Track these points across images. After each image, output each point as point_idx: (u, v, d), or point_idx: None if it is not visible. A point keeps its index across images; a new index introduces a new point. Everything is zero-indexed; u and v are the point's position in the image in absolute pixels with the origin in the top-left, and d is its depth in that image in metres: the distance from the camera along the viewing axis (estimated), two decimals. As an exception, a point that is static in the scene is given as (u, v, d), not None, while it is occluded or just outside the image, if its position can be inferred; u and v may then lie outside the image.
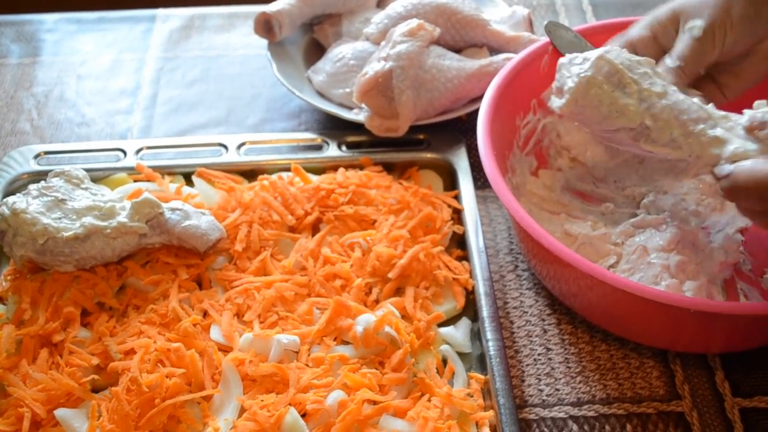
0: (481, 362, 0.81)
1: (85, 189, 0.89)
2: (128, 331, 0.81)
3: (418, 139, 1.02)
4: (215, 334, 0.81)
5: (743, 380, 0.83)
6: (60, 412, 0.75)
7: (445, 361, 0.81)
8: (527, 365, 0.84)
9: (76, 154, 1.02)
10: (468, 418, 0.77)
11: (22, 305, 0.83)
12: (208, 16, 1.30)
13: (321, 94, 1.09)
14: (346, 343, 0.82)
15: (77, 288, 0.84)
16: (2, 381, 0.77)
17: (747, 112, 0.76)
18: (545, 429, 0.79)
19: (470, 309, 0.86)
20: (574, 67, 0.82)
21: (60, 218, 0.85)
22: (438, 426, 0.73)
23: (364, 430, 0.74)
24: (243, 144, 1.02)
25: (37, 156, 1.00)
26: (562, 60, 0.84)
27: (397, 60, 0.99)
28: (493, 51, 1.10)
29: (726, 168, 0.73)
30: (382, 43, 1.03)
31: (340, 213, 0.92)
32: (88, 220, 0.85)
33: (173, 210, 0.88)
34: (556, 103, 0.84)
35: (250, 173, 0.99)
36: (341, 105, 1.06)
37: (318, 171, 0.98)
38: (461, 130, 1.06)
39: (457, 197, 0.96)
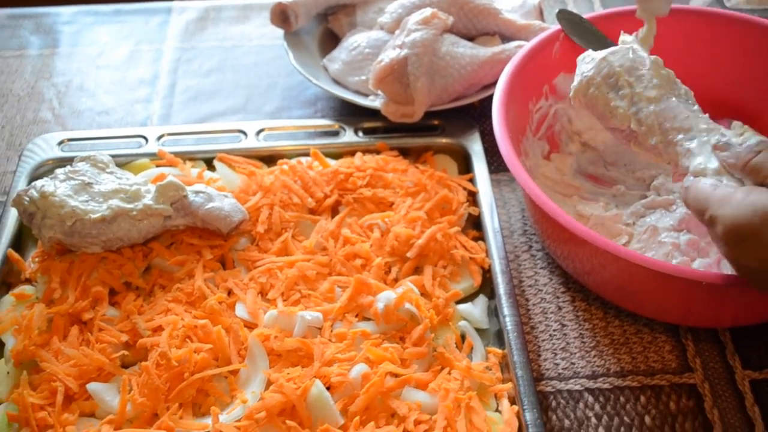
0: (498, 338, 0.84)
1: (111, 173, 0.92)
2: (155, 309, 0.84)
3: (433, 125, 1.05)
4: (240, 311, 0.84)
5: (753, 354, 0.85)
6: (92, 386, 0.77)
7: (463, 337, 0.84)
8: (543, 341, 0.87)
9: (98, 141, 1.04)
10: (487, 390, 0.79)
11: (51, 285, 0.85)
12: (223, 8, 1.33)
13: (337, 82, 1.11)
14: (368, 319, 0.84)
15: (105, 268, 0.87)
16: (35, 357, 0.79)
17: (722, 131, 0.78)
18: (562, 401, 0.82)
19: (487, 287, 0.89)
20: (582, 65, 0.86)
21: (87, 201, 0.88)
22: (459, 397, 0.76)
23: (387, 402, 0.76)
24: (262, 130, 1.04)
25: (60, 143, 1.03)
26: (579, 57, 0.87)
27: (412, 47, 1.02)
28: (505, 39, 1.13)
29: (686, 181, 0.75)
30: (397, 32, 1.06)
31: (359, 195, 0.94)
32: (115, 202, 0.88)
33: (197, 193, 0.90)
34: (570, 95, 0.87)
35: (268, 158, 1.01)
36: (357, 92, 1.09)
37: (335, 156, 1.01)
38: (473, 116, 1.08)
39: (471, 180, 0.98)
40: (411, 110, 1.02)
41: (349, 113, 1.11)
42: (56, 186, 0.88)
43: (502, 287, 0.86)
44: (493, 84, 1.05)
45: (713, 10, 1.03)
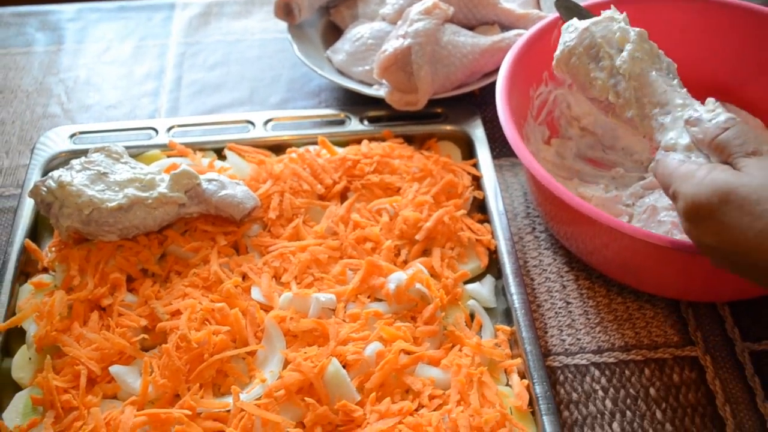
0: (506, 316, 0.87)
1: (125, 163, 0.94)
2: (173, 294, 0.86)
3: (436, 113, 1.08)
4: (256, 294, 0.86)
5: (751, 326, 0.88)
6: (115, 369, 0.80)
7: (472, 316, 0.87)
8: (549, 318, 0.90)
9: (109, 134, 1.06)
10: (497, 366, 0.82)
11: (70, 272, 0.87)
12: (225, 3, 1.35)
13: (341, 73, 1.14)
14: (379, 300, 0.87)
15: (122, 256, 0.89)
16: (57, 342, 0.82)
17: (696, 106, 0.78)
18: (569, 375, 0.85)
19: (494, 267, 0.92)
20: (566, 35, 0.86)
21: (103, 190, 0.90)
22: (471, 372, 0.78)
23: (402, 378, 0.79)
24: (269, 120, 1.07)
25: (72, 136, 1.05)
26: (563, 26, 0.88)
27: (415, 37, 1.04)
28: (504, 28, 1.15)
29: (658, 154, 0.76)
30: (399, 22, 1.09)
31: (367, 181, 0.97)
32: (131, 191, 0.90)
33: (210, 181, 0.93)
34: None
35: (276, 148, 1.04)
36: (361, 82, 1.11)
37: (342, 144, 1.03)
38: (475, 103, 1.11)
39: (475, 165, 1.01)
40: (415, 98, 1.05)
41: (353, 103, 1.13)
42: (73, 176, 0.90)
43: (508, 267, 0.88)
44: (494, 72, 1.08)
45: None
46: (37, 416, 0.77)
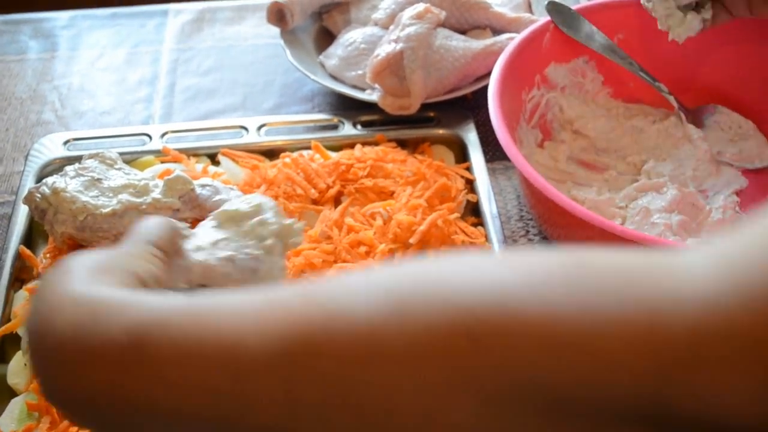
0: (500, 318, 0.87)
1: (119, 169, 0.94)
2: (168, 299, 0.86)
3: (429, 117, 1.08)
4: (250, 299, 0.86)
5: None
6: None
7: (466, 318, 0.87)
8: (543, 320, 0.90)
9: (103, 140, 1.06)
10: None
11: (65, 279, 0.88)
12: (218, 9, 1.36)
13: (334, 77, 1.14)
14: (374, 304, 0.87)
15: (116, 261, 0.89)
16: (53, 348, 0.82)
17: None
18: (563, 376, 0.85)
19: (487, 270, 0.92)
20: None
21: (97, 196, 0.90)
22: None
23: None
24: (263, 125, 1.07)
25: (66, 142, 1.05)
26: None
27: (407, 41, 1.05)
28: (496, 32, 1.16)
29: None
30: (391, 27, 1.09)
31: (360, 186, 0.97)
32: (124, 197, 0.90)
33: (203, 186, 0.93)
34: None
35: (270, 153, 1.04)
36: (354, 86, 1.12)
37: (335, 149, 1.04)
38: (467, 107, 1.11)
39: (468, 169, 1.01)
40: (408, 102, 1.05)
41: (347, 107, 1.14)
42: (67, 182, 0.90)
43: (502, 269, 0.88)
44: (486, 76, 1.08)
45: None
46: (32, 422, 0.77)
